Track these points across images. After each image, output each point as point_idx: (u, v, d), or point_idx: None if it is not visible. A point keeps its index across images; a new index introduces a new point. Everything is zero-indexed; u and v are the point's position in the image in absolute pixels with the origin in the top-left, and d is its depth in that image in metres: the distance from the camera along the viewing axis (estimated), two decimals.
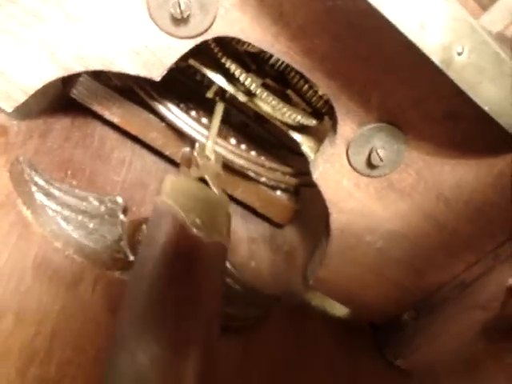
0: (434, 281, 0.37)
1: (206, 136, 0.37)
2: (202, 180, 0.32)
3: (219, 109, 0.39)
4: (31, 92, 0.30)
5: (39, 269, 0.27)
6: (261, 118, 0.41)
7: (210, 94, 0.40)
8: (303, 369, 0.36)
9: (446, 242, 0.35)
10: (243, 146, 0.39)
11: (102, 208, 0.30)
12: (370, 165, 0.31)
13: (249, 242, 0.41)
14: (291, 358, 0.36)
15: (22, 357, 0.23)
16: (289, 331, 0.37)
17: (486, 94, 0.25)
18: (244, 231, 0.41)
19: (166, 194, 0.28)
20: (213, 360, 0.23)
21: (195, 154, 0.35)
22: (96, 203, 0.30)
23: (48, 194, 0.29)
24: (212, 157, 0.35)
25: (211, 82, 0.38)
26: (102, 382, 0.20)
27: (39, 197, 0.28)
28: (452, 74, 0.24)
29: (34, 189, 0.28)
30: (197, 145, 0.36)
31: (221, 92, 0.40)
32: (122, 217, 0.30)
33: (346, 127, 0.30)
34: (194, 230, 0.27)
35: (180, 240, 0.26)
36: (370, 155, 0.31)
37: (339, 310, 0.42)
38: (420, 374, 0.41)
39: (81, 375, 0.24)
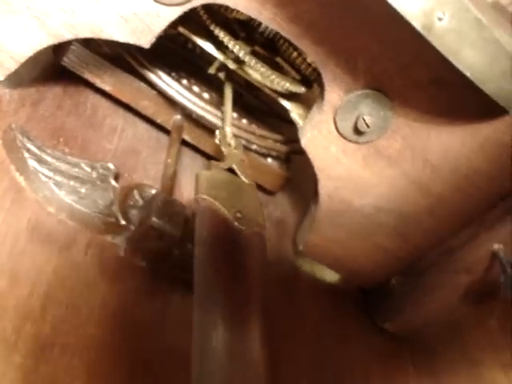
0: (422, 246, 0.38)
1: (221, 118, 0.37)
2: (229, 169, 0.33)
3: (228, 91, 0.39)
4: (22, 60, 0.30)
5: (33, 232, 0.28)
6: (251, 86, 0.41)
7: (212, 70, 0.40)
8: (293, 334, 0.36)
9: (434, 208, 0.35)
10: (234, 114, 0.40)
11: (94, 174, 0.31)
12: (357, 131, 0.31)
13: None
14: (281, 323, 0.36)
15: (18, 315, 0.24)
16: (279, 297, 0.38)
17: (468, 59, 0.25)
18: None
19: (203, 190, 0.29)
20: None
21: (217, 141, 0.35)
22: (88, 169, 0.31)
23: (40, 161, 0.29)
24: (232, 142, 0.36)
25: (203, 51, 0.38)
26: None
27: (32, 163, 0.29)
28: (433, 39, 0.24)
29: (26, 155, 0.29)
30: (217, 132, 0.36)
31: (225, 68, 0.39)
32: (113, 182, 0.31)
33: (334, 94, 0.31)
34: (236, 224, 0.28)
35: (226, 236, 0.28)
36: (356, 122, 0.31)
37: (329, 275, 0.43)
38: (409, 339, 0.42)
39: (74, 333, 0.25)
